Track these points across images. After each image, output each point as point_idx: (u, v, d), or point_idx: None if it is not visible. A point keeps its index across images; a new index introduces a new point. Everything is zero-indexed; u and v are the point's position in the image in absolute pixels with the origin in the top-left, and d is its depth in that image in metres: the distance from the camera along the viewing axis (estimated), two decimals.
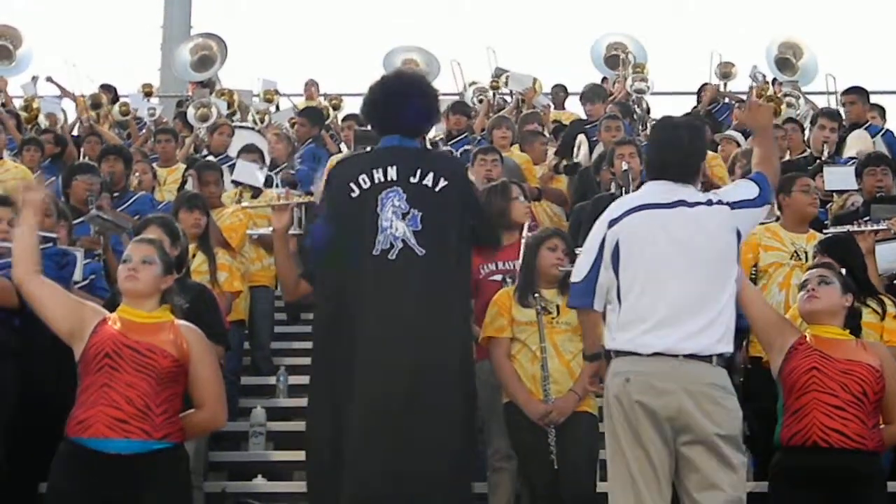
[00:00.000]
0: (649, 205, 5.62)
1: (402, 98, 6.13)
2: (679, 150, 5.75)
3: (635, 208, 5.64)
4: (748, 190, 5.73)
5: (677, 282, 5.46)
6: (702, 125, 6.01)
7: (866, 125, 12.72)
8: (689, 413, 5.36)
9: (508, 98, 16.61)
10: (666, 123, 6.16)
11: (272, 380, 10.06)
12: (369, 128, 6.71)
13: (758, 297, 6.40)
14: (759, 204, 5.74)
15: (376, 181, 5.94)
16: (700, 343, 5.41)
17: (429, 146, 11.83)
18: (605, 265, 5.60)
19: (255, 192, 10.81)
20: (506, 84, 16.66)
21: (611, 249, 5.59)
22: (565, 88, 16.77)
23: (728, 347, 5.51)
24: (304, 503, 6.21)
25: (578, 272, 5.69)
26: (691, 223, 5.55)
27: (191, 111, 15.70)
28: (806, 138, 13.11)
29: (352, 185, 5.96)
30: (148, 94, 18.12)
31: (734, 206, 5.63)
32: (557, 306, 6.99)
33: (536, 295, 7.05)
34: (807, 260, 7.76)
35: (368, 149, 6.74)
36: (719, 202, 5.63)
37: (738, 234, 5.63)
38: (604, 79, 17.65)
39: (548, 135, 13.85)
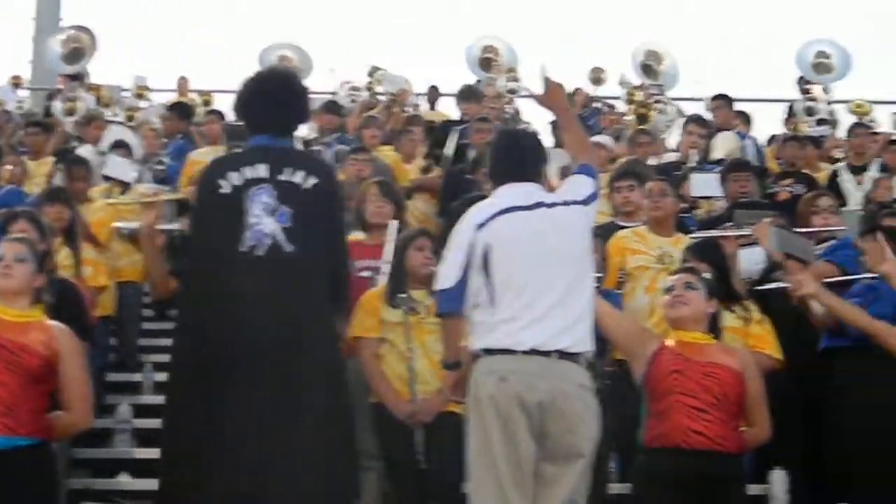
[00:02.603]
0: (513, 207, 5.69)
1: (273, 96, 6.10)
2: (521, 151, 5.89)
3: (501, 211, 5.69)
4: (587, 184, 5.85)
5: (548, 281, 5.53)
6: (536, 132, 6.17)
7: (735, 130, 12.98)
8: (560, 410, 5.42)
9: (382, 98, 16.61)
10: (505, 130, 6.38)
11: (138, 376, 10.01)
12: (238, 122, 6.69)
13: (610, 310, 6.49)
14: (598, 195, 5.91)
15: (246, 179, 5.92)
16: (571, 338, 5.49)
17: (300, 145, 11.81)
18: (476, 269, 5.63)
19: (126, 188, 10.72)
20: (380, 84, 16.67)
21: (481, 253, 5.62)
22: (438, 89, 16.83)
23: (592, 345, 5.62)
24: None
25: (446, 278, 5.68)
26: (554, 223, 5.66)
27: (57, 105, 15.51)
28: (676, 143, 13.30)
29: (220, 182, 5.92)
30: (17, 86, 17.85)
31: (586, 202, 5.77)
32: (426, 306, 7.01)
33: (403, 295, 7.09)
34: (673, 264, 7.83)
35: (240, 148, 6.71)
36: (574, 202, 5.74)
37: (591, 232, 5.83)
38: (478, 81, 17.70)
39: (420, 133, 13.82)
